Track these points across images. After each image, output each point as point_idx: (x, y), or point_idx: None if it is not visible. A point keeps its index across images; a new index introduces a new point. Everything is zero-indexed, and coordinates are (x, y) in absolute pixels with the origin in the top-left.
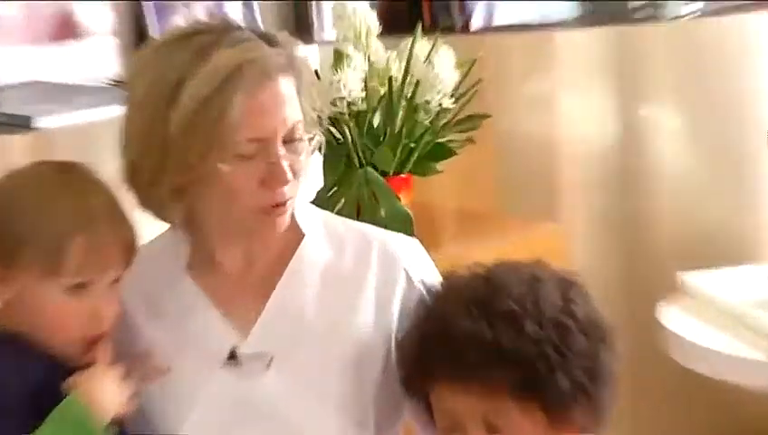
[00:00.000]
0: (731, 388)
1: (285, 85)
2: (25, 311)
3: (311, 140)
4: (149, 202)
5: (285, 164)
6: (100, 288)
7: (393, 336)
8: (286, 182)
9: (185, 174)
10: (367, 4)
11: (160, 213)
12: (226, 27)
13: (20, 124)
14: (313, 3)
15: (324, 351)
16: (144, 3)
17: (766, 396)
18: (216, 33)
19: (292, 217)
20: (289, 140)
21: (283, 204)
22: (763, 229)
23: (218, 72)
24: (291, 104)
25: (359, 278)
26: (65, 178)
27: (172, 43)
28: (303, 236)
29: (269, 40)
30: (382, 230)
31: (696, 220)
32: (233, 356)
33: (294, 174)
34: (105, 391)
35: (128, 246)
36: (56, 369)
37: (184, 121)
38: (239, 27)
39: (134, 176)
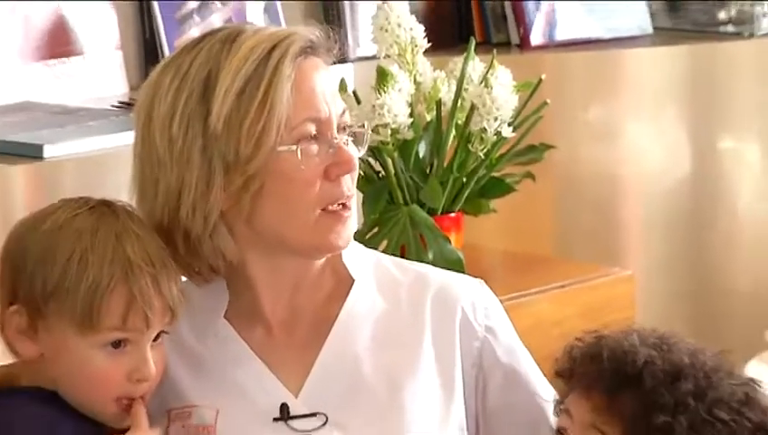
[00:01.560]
0: None
1: (324, 69)
2: (60, 367)
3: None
4: (194, 240)
5: (349, 150)
6: (142, 345)
7: (462, 391)
8: (352, 167)
9: (237, 176)
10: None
11: (208, 254)
12: (242, 23)
13: (28, 154)
14: (347, 11)
15: (383, 411)
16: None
17: None
18: (234, 27)
19: (341, 259)
20: (342, 128)
21: (348, 205)
22: None
23: (254, 52)
24: (335, 91)
25: (416, 328)
26: (102, 221)
27: (183, 52)
28: (353, 281)
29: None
30: (442, 271)
31: None
32: (284, 413)
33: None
34: None
35: (172, 299)
36: (94, 432)
37: (226, 113)
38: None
39: (173, 206)
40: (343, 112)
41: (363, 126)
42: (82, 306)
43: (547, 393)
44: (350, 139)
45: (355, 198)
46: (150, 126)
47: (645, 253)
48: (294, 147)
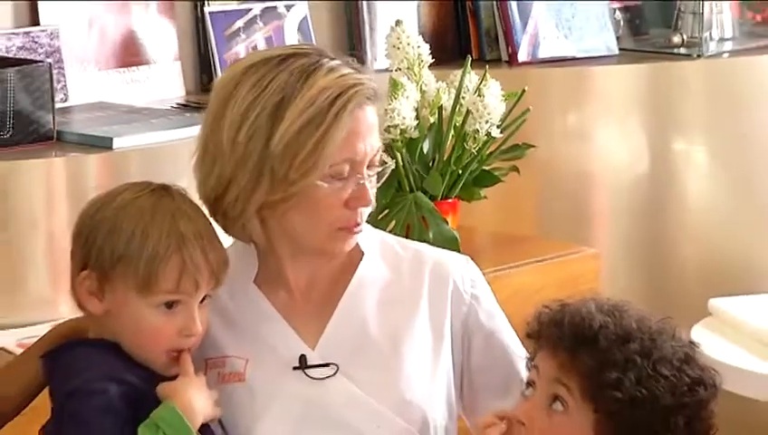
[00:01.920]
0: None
1: (372, 112)
2: (121, 323)
3: (385, 168)
4: (230, 219)
5: (369, 187)
6: (191, 306)
7: (449, 350)
8: (369, 204)
9: (279, 191)
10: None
11: (238, 230)
12: (320, 52)
13: (100, 145)
14: (367, 31)
15: (385, 364)
16: (209, 28)
17: None
18: (312, 57)
19: None
20: (371, 165)
21: (359, 225)
22: None
23: (323, 94)
24: (376, 131)
25: (414, 295)
26: (160, 202)
27: (267, 64)
28: (363, 254)
29: (356, 69)
30: (437, 249)
31: (721, 250)
32: (302, 363)
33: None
34: (195, 399)
35: (217, 267)
36: (147, 377)
37: (288, 139)
38: (329, 53)
39: (220, 192)
40: (377, 152)
41: (386, 163)
42: (143, 272)
43: (520, 351)
44: (375, 174)
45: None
46: (221, 121)
47: (610, 235)
48: (326, 184)
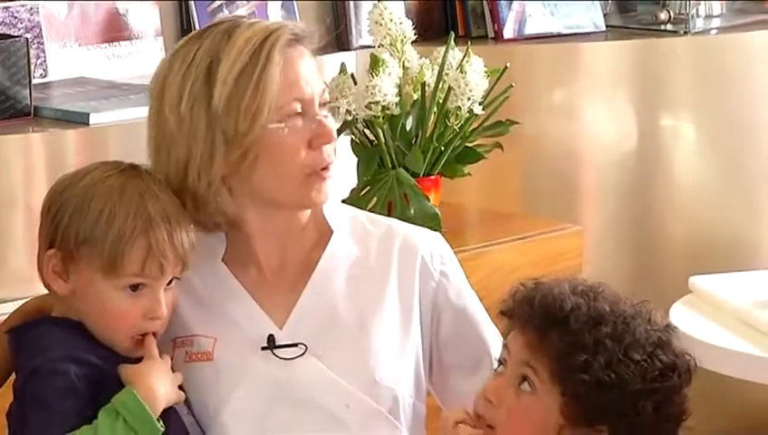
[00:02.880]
0: (737, 383)
1: (305, 52)
2: (86, 304)
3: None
4: (200, 199)
5: (328, 124)
6: (156, 289)
7: (418, 328)
8: (332, 139)
9: (235, 148)
10: (402, 8)
11: (210, 212)
12: (239, 17)
13: (77, 121)
14: (351, 8)
15: (353, 343)
16: (192, 3)
17: None
18: (231, 22)
19: (322, 214)
20: (323, 103)
21: (328, 169)
22: (766, 238)
23: (249, 43)
24: (315, 70)
25: (383, 272)
26: (129, 182)
27: (189, 41)
28: (332, 232)
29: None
30: (407, 225)
31: (707, 227)
32: (270, 343)
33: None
34: (158, 384)
35: (183, 251)
36: (110, 358)
37: (227, 95)
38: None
39: (182, 174)
40: (323, 91)
41: (337, 100)
42: (108, 253)
43: (490, 329)
44: (329, 114)
45: (335, 164)
46: (162, 109)
47: (596, 212)
48: (282, 124)
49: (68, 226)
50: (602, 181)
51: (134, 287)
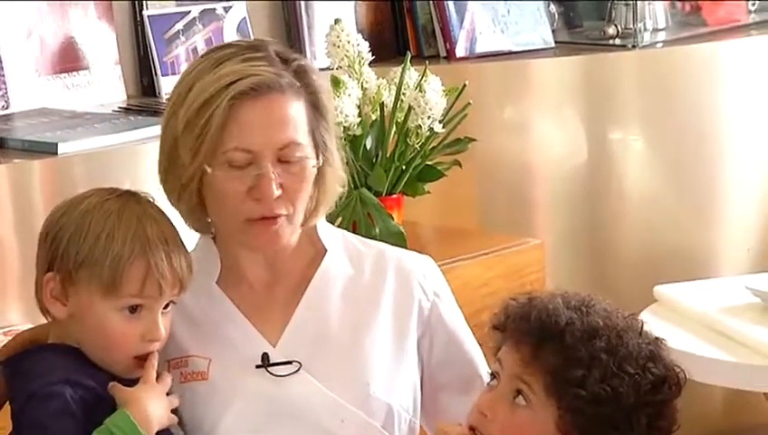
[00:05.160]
0: (704, 388)
1: (286, 106)
2: (84, 326)
3: (314, 165)
4: (179, 203)
5: (274, 179)
6: (154, 311)
7: (414, 346)
8: (271, 196)
9: (182, 174)
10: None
11: (186, 215)
12: (254, 45)
13: (45, 151)
14: (305, 30)
15: (347, 358)
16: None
17: (734, 393)
18: (239, 48)
19: (316, 233)
20: (285, 160)
21: (272, 218)
22: (719, 245)
23: (220, 81)
24: (289, 125)
25: (377, 292)
26: (127, 206)
27: (203, 55)
28: (326, 251)
29: (284, 60)
30: (398, 249)
31: (661, 237)
32: (265, 361)
33: (286, 191)
34: (152, 407)
35: (182, 272)
36: (106, 381)
37: (184, 121)
38: (266, 48)
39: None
40: (285, 147)
41: (317, 163)
42: (107, 275)
43: (478, 349)
44: (298, 162)
45: (293, 213)
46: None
47: (552, 225)
48: (217, 170)
49: (67, 248)
50: (556, 194)
51: (132, 309)
